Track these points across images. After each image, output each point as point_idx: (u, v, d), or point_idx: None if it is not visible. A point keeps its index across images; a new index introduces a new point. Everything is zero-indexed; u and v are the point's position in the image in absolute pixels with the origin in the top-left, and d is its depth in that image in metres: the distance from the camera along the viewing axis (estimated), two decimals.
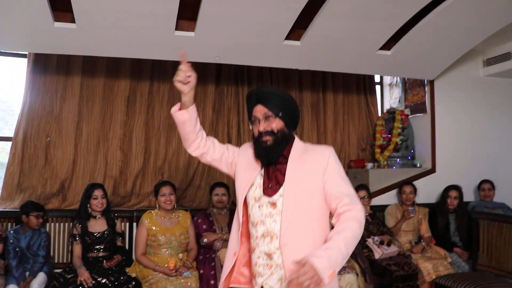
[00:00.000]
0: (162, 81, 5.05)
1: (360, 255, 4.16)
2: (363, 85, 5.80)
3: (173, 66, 4.95)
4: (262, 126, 1.95)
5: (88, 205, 3.83)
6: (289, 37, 4.01)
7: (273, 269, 1.89)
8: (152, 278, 3.64)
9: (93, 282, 3.44)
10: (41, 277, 3.60)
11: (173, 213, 3.97)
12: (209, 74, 5.19)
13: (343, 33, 3.98)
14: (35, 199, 4.35)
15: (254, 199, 1.98)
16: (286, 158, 1.98)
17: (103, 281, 3.49)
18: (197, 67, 4.72)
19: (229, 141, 5.16)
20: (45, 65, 4.65)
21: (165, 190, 3.94)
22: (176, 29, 3.78)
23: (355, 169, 5.28)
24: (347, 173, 5.25)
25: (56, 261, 4.14)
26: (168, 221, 3.92)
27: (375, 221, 4.48)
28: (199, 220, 4.15)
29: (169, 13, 3.51)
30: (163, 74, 5.03)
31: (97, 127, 4.79)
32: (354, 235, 1.80)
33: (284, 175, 1.95)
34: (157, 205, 3.97)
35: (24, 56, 4.70)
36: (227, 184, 4.37)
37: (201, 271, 3.82)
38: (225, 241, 3.97)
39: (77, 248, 3.75)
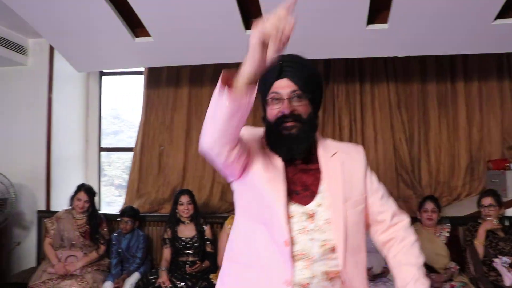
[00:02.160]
0: None
1: (483, 279, 3.39)
2: (506, 67, 4.76)
3: None
4: (288, 107, 1.43)
5: (177, 211, 3.92)
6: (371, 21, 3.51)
7: None
8: None
9: (171, 285, 3.50)
10: (135, 277, 3.80)
11: None
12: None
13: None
14: (150, 204, 4.69)
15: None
16: (312, 155, 1.51)
17: (181, 284, 3.53)
18: None
19: None
20: (157, 79, 4.98)
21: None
22: None
23: (493, 171, 4.35)
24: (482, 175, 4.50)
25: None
26: None
27: (509, 237, 3.60)
28: None
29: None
30: None
31: None
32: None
33: (313, 177, 1.48)
34: None
35: (141, 73, 5.10)
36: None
37: None
38: None
39: (166, 252, 3.88)
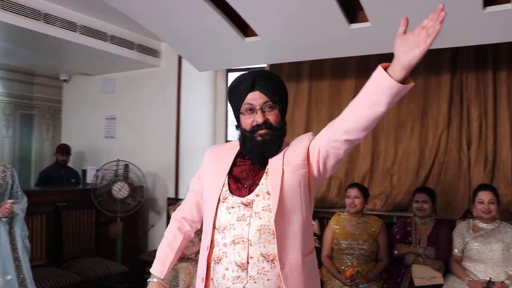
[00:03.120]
0: None
1: None
2: None
3: None
4: (261, 117, 1.62)
5: None
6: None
7: (246, 282, 1.57)
8: (329, 284, 3.50)
9: None
10: None
11: (360, 218, 3.66)
12: (443, 61, 4.49)
13: None
14: None
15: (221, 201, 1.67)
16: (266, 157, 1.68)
17: None
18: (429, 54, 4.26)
19: (469, 140, 4.33)
20: (279, 75, 5.08)
21: (351, 192, 3.69)
22: None
23: None
24: None
25: None
26: (354, 226, 3.64)
27: None
28: (396, 229, 3.69)
29: None
30: None
31: None
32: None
33: (258, 173, 1.65)
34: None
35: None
36: (430, 188, 3.72)
37: (385, 286, 3.40)
38: (418, 256, 3.42)
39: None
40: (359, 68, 4.76)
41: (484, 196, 3.34)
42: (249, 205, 1.59)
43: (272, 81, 1.67)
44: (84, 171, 5.07)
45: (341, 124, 1.51)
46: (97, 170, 4.54)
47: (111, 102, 5.49)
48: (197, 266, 3.79)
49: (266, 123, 1.62)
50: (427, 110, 4.51)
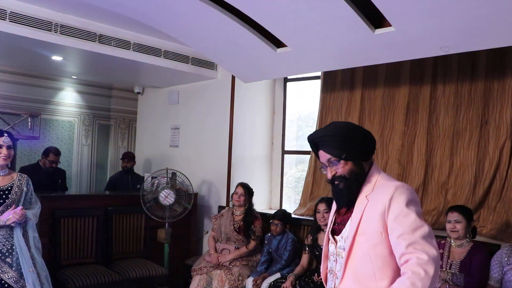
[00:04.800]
0: (446, 82, 4.32)
1: None
2: None
3: (458, 61, 4.19)
4: (330, 173, 1.85)
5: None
6: None
7: None
8: None
9: None
10: (274, 277, 3.97)
11: None
12: (507, 62, 4.00)
13: None
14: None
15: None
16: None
17: None
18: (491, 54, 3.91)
19: None
20: (333, 83, 4.97)
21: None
22: None
23: None
24: None
25: None
26: None
27: None
28: None
29: None
30: (447, 74, 4.30)
31: (376, 139, 4.63)
32: None
33: (347, 217, 1.86)
34: None
35: (318, 78, 5.19)
36: (465, 206, 3.35)
37: None
38: (445, 282, 3.12)
39: (304, 258, 3.93)
40: (412, 75, 4.47)
41: None
42: (336, 243, 1.88)
43: (327, 138, 1.84)
44: (138, 176, 5.45)
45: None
46: (153, 178, 4.84)
47: (175, 113, 5.82)
48: (230, 273, 3.94)
49: (336, 177, 1.83)
50: (488, 118, 4.07)
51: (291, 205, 5.45)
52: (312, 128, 5.40)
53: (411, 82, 4.49)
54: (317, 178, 4.98)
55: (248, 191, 4.39)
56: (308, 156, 5.21)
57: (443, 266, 3.23)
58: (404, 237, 1.64)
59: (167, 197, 4.56)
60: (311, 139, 1.89)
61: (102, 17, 4.21)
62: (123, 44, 4.50)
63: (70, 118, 6.06)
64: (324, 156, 1.84)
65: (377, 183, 1.79)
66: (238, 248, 4.27)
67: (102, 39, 4.36)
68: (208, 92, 5.45)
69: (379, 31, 3.37)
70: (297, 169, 5.65)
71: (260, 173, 5.40)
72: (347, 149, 1.80)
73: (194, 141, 5.53)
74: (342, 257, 1.80)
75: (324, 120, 4.99)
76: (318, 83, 5.24)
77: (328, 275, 1.94)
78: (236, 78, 5.13)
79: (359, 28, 3.35)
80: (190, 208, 4.75)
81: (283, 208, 5.19)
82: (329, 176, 1.83)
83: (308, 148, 5.25)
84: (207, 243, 4.75)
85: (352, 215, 1.79)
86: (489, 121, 4.08)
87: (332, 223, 1.93)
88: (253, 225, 4.31)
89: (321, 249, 3.74)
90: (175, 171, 4.71)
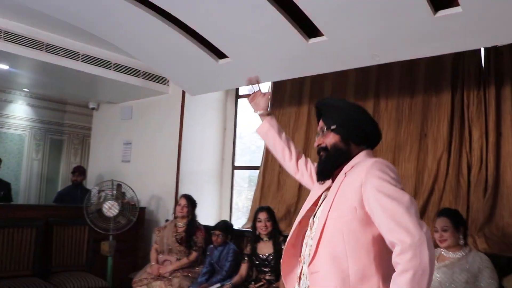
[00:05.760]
0: (389, 96, 4.43)
1: None
2: None
3: (400, 76, 4.32)
4: (317, 141, 1.79)
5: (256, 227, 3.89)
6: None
7: None
8: None
9: None
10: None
11: None
12: (443, 78, 4.15)
13: None
14: None
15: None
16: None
17: None
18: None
19: (469, 163, 3.92)
20: (282, 98, 5.05)
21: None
22: None
23: None
24: None
25: None
26: None
27: None
28: None
29: None
30: (390, 89, 4.42)
31: None
32: None
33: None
34: None
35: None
36: None
37: None
38: None
39: (243, 267, 3.89)
40: (357, 90, 4.58)
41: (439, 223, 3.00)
42: (311, 225, 1.74)
43: (331, 106, 1.81)
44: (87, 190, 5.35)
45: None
46: (100, 191, 4.78)
47: (128, 128, 5.81)
48: (170, 284, 3.87)
49: (320, 146, 1.77)
50: (426, 132, 4.18)
51: (242, 221, 5.43)
52: (262, 143, 5.44)
53: (356, 96, 4.58)
54: (265, 193, 4.99)
55: (191, 203, 4.38)
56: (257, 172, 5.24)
57: None
58: (384, 215, 1.49)
59: (110, 208, 4.50)
60: (317, 104, 1.87)
61: (50, 26, 4.23)
62: (72, 54, 4.52)
63: (20, 132, 6.00)
64: (320, 124, 1.81)
65: (359, 163, 1.68)
66: (179, 259, 4.21)
67: (49, 48, 4.36)
68: (160, 107, 5.48)
69: (312, 40, 3.47)
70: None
71: (210, 188, 5.39)
72: (340, 122, 1.73)
73: (145, 156, 5.52)
74: (312, 239, 1.66)
75: None
76: None
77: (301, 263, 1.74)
78: (186, 93, 5.17)
79: (294, 38, 3.44)
80: (136, 221, 4.69)
81: (231, 222, 5.17)
82: (316, 144, 1.78)
83: (258, 164, 5.32)
84: None
85: (329, 192, 1.70)
86: (428, 134, 4.19)
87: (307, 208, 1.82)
88: (195, 236, 4.28)
89: (261, 258, 3.77)
90: (120, 183, 4.67)
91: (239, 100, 5.66)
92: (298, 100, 4.95)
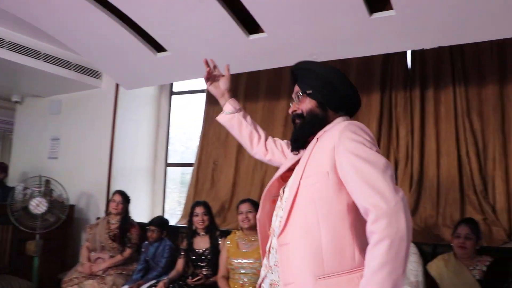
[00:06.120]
0: None
1: None
2: None
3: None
4: (292, 108, 1.70)
5: (192, 222, 3.87)
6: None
7: (267, 271, 1.60)
8: None
9: None
10: (149, 284, 3.83)
11: (254, 237, 3.50)
12: (374, 80, 4.39)
13: None
14: None
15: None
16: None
17: None
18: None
19: (396, 160, 4.16)
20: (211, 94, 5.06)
21: (243, 208, 3.59)
22: None
23: None
24: None
25: None
26: (246, 244, 3.49)
27: None
28: None
29: None
30: None
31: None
32: (383, 269, 1.25)
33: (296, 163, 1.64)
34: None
35: (203, 91, 5.28)
36: None
37: None
38: None
39: (180, 262, 3.85)
40: (291, 89, 4.70)
41: None
42: (281, 196, 1.63)
43: (306, 70, 1.69)
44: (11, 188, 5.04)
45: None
46: (26, 188, 4.53)
47: (57, 123, 5.55)
48: (103, 282, 3.74)
49: (295, 113, 1.67)
50: None
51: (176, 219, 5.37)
52: (195, 141, 5.44)
53: (290, 95, 4.70)
54: (199, 190, 4.99)
55: (125, 199, 4.27)
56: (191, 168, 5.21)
57: None
58: (358, 179, 1.37)
59: (38, 205, 4.28)
60: (292, 68, 1.73)
61: None
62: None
63: None
64: (295, 89, 1.70)
65: (333, 127, 1.56)
66: (113, 256, 4.09)
67: None
68: (91, 101, 5.29)
69: (253, 36, 3.54)
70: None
71: (143, 185, 5.29)
72: (317, 87, 1.63)
73: (75, 153, 5.29)
74: (282, 209, 1.55)
75: (207, 133, 5.06)
76: (203, 97, 5.31)
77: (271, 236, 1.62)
78: (120, 87, 5.04)
79: (235, 33, 3.50)
80: (65, 219, 4.49)
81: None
82: (290, 110, 1.69)
83: (192, 161, 5.30)
84: None
85: (301, 159, 1.57)
86: None
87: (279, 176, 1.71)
88: (129, 232, 4.18)
89: (197, 253, 3.75)
90: (48, 179, 4.45)
91: (173, 96, 5.60)
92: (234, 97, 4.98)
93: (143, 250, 4.12)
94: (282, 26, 3.35)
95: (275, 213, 1.63)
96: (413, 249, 3.14)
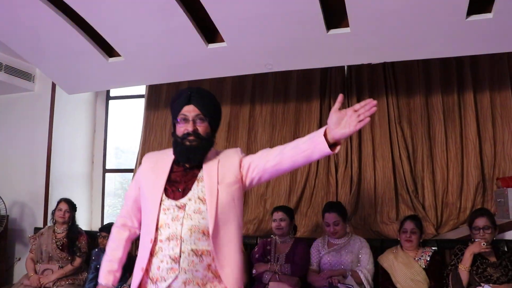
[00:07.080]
0: (263, 103, 4.80)
1: None
2: None
3: (274, 84, 4.73)
4: (192, 127, 1.92)
5: None
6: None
7: (178, 273, 1.83)
8: None
9: None
10: None
11: None
12: (313, 87, 4.69)
13: None
14: None
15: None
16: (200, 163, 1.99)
17: None
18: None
19: (336, 163, 4.50)
20: (157, 101, 5.07)
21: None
22: None
23: (500, 190, 3.82)
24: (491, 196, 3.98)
25: None
26: None
27: (500, 263, 3.10)
28: (256, 248, 3.71)
29: None
30: (264, 95, 4.80)
31: None
32: None
33: (191, 178, 1.94)
34: None
35: (142, 96, 5.25)
36: (287, 206, 3.81)
37: None
38: (275, 273, 3.42)
39: None
40: (233, 95, 4.86)
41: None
42: (183, 207, 1.87)
43: (206, 98, 1.99)
44: None
45: (277, 162, 1.85)
46: None
47: None
48: None
49: (195, 133, 1.92)
50: (298, 135, 4.65)
51: None
52: (135, 147, 5.38)
53: (232, 101, 4.87)
54: None
55: (72, 207, 4.14)
56: (131, 174, 5.15)
57: (271, 259, 3.55)
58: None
59: None
60: (190, 90, 1.97)
61: None
62: None
63: None
64: (194, 110, 1.93)
65: (218, 152, 2.02)
66: (62, 267, 3.95)
67: None
68: (23, 105, 5.01)
69: (212, 45, 3.65)
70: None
71: (81, 192, 5.12)
72: (214, 115, 2.01)
73: (2, 160, 4.97)
74: (191, 219, 1.84)
75: (148, 138, 5.03)
76: (141, 102, 5.28)
77: (165, 242, 1.84)
78: (56, 91, 4.85)
79: (194, 42, 3.57)
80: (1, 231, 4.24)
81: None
82: (190, 129, 1.90)
83: (130, 167, 5.23)
84: (24, 268, 4.26)
85: (203, 173, 1.92)
86: (300, 137, 4.65)
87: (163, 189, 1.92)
88: (77, 241, 4.07)
89: None
90: None
91: (110, 101, 5.48)
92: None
93: (93, 258, 4.02)
94: (241, 36, 3.48)
95: (178, 222, 1.85)
96: (365, 243, 3.47)
